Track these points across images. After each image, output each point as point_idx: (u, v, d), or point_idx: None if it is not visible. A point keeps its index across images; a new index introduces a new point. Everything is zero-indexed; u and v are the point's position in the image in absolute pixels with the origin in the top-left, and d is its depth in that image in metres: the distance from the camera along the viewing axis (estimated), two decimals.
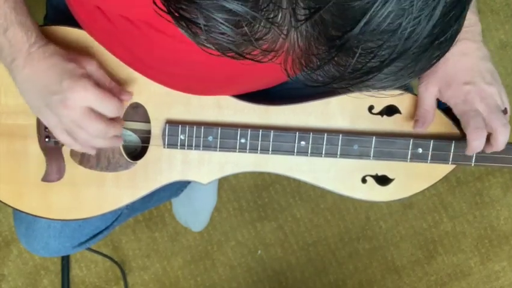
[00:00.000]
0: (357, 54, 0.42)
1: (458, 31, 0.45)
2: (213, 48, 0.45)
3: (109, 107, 0.82)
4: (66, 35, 0.88)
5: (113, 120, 0.84)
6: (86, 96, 0.80)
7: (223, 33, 0.43)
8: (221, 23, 0.42)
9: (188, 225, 1.55)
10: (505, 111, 0.86)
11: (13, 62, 0.81)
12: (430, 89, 0.88)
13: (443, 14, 0.42)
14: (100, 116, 0.82)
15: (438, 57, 0.46)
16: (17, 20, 0.81)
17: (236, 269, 1.63)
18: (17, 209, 0.95)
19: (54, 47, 0.83)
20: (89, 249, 1.25)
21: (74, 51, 0.85)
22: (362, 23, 0.40)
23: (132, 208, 1.07)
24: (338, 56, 0.42)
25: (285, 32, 0.42)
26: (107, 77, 0.85)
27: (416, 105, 0.91)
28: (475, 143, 0.86)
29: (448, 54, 0.87)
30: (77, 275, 1.58)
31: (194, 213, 1.51)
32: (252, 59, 0.45)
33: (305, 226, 1.64)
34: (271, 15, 0.41)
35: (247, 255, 1.63)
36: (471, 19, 0.85)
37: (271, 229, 1.63)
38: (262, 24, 0.42)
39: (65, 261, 1.55)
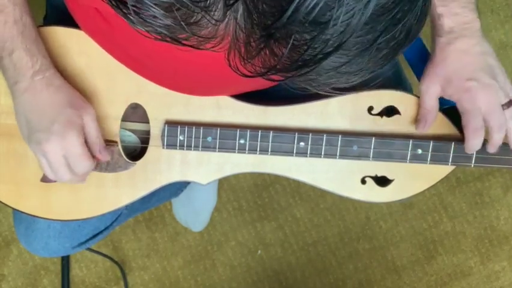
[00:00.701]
0: (290, 45, 0.42)
1: (411, 34, 0.44)
2: (146, 31, 0.44)
3: (80, 167, 0.84)
4: (66, 35, 0.88)
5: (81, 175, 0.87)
6: (67, 148, 0.82)
7: (154, 17, 0.43)
8: (150, 5, 0.42)
9: (188, 225, 1.55)
10: (508, 104, 0.86)
11: (15, 84, 0.82)
12: (431, 88, 0.88)
13: (379, 12, 0.41)
14: (70, 167, 0.84)
15: (391, 57, 0.45)
16: (24, 45, 0.81)
17: (236, 269, 1.63)
18: (16, 209, 0.95)
19: (60, 82, 0.84)
20: (89, 249, 1.25)
21: (77, 93, 0.86)
22: (289, 12, 0.40)
23: (132, 208, 1.07)
24: (271, 45, 0.42)
25: (216, 18, 0.42)
26: (97, 130, 0.86)
27: (416, 106, 0.91)
28: (473, 142, 0.87)
29: (446, 52, 0.87)
30: (77, 275, 1.58)
31: (194, 213, 1.51)
32: (189, 45, 0.45)
33: (305, 226, 1.64)
34: (202, 0, 0.41)
35: (247, 255, 1.63)
36: (468, 16, 0.85)
37: (271, 229, 1.63)
38: (192, 9, 0.42)
39: (65, 261, 1.55)
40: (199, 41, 0.44)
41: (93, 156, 0.86)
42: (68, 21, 0.88)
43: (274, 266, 1.64)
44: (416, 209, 1.66)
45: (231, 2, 0.41)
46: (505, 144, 0.93)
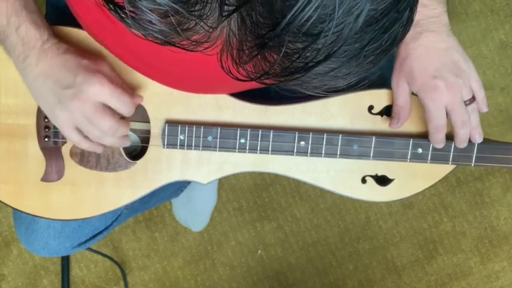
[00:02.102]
0: (282, 53, 0.43)
1: (396, 41, 0.46)
2: (141, 33, 0.45)
3: (123, 105, 0.82)
4: (66, 35, 0.88)
5: (123, 119, 0.85)
6: (101, 91, 0.80)
7: (150, 22, 0.44)
8: (147, 11, 0.43)
9: (188, 225, 1.55)
10: (471, 99, 0.86)
11: (25, 60, 0.81)
12: (400, 85, 0.88)
13: (368, 23, 0.43)
14: (112, 113, 0.82)
15: (377, 62, 0.47)
16: (29, 18, 0.81)
17: (236, 269, 1.63)
18: (16, 209, 0.95)
19: (67, 45, 0.83)
20: (89, 249, 1.25)
21: (87, 51, 0.85)
22: (283, 24, 0.41)
23: (132, 208, 1.07)
24: (264, 52, 0.44)
25: (212, 26, 0.43)
26: (119, 78, 0.85)
27: (417, 106, 0.91)
28: (436, 136, 0.88)
29: (410, 49, 0.87)
30: (77, 275, 1.58)
31: (194, 213, 1.51)
32: (182, 48, 0.46)
33: (305, 226, 1.64)
34: (198, 9, 0.42)
35: (247, 255, 1.63)
36: (436, 9, 0.85)
37: (271, 229, 1.63)
38: (187, 17, 0.43)
39: (65, 261, 1.55)
40: (192, 45, 0.45)
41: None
42: (68, 20, 0.88)
43: (274, 266, 1.64)
44: (416, 209, 1.66)
45: (226, 13, 0.42)
46: (505, 144, 0.93)
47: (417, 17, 0.84)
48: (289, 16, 0.41)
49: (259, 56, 0.44)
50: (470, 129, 0.88)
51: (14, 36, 0.80)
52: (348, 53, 0.44)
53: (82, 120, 0.82)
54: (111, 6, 0.45)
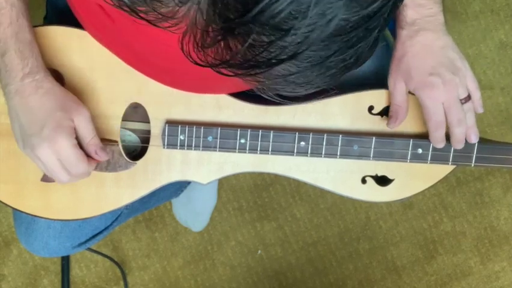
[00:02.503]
0: (247, 43, 0.42)
1: (360, 60, 0.46)
2: None
3: (75, 170, 0.84)
4: (66, 35, 0.88)
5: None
6: (59, 152, 0.81)
7: None
8: None
9: (188, 225, 1.55)
10: (467, 98, 0.86)
11: (6, 87, 0.82)
12: (397, 84, 0.88)
13: (337, 32, 0.42)
14: (66, 169, 0.84)
15: (337, 77, 0.47)
16: (16, 47, 0.80)
17: (236, 269, 1.63)
18: (16, 209, 0.95)
19: (51, 85, 0.82)
20: (89, 249, 1.25)
21: (69, 95, 0.84)
22: (254, 12, 0.40)
23: (132, 208, 1.07)
24: (228, 39, 0.43)
25: (183, 1, 0.42)
26: (92, 131, 0.84)
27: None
28: (436, 134, 0.88)
29: (407, 47, 0.87)
30: (77, 275, 1.58)
31: (194, 213, 1.51)
32: (146, 20, 0.45)
33: (305, 226, 1.64)
34: None
35: (247, 255, 1.63)
36: (432, 9, 0.85)
37: (271, 229, 1.63)
38: None
39: (65, 261, 1.55)
40: (157, 18, 0.44)
41: (90, 158, 0.85)
42: (69, 20, 0.88)
43: (274, 266, 1.64)
44: (416, 209, 1.66)
45: None
46: (505, 144, 0.93)
47: (414, 16, 0.85)
48: (262, 4, 0.40)
49: (222, 42, 0.43)
50: (466, 129, 0.87)
51: (0, 61, 0.81)
52: (313, 60, 0.44)
53: (40, 164, 0.84)
54: None
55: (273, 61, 0.43)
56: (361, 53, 0.45)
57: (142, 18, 0.45)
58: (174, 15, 0.44)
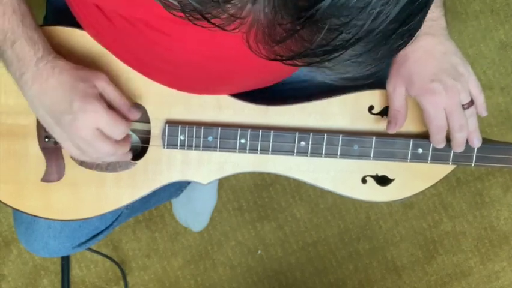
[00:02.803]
0: (324, 30, 0.41)
1: (421, 22, 0.45)
2: (176, 4, 0.43)
3: (117, 131, 0.82)
4: (66, 35, 0.88)
5: (121, 140, 0.85)
6: (96, 119, 0.80)
7: None
8: None
9: (188, 225, 1.55)
10: (469, 103, 0.86)
11: (22, 77, 0.81)
12: (397, 89, 0.87)
13: (410, 2, 0.41)
14: (109, 137, 0.82)
15: (399, 48, 0.46)
16: (24, 34, 0.80)
17: (236, 269, 1.63)
18: (17, 209, 0.95)
19: (64, 62, 0.82)
20: (89, 249, 1.25)
21: (83, 65, 0.84)
22: None
23: (132, 208, 1.07)
24: (304, 29, 0.41)
25: None
26: (117, 92, 0.84)
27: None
28: (437, 137, 0.87)
29: (408, 52, 0.86)
30: (77, 275, 1.58)
31: (194, 213, 1.51)
32: (214, 25, 0.43)
33: (305, 226, 1.64)
34: None
35: (247, 255, 1.63)
36: (434, 13, 0.84)
37: (271, 229, 1.63)
38: None
39: (65, 261, 1.54)
40: (226, 20, 0.43)
41: (124, 118, 0.84)
42: (69, 20, 0.88)
43: (274, 266, 1.64)
44: (416, 209, 1.66)
45: None
46: (505, 144, 0.93)
47: None
48: None
49: (297, 34, 0.42)
50: (467, 133, 0.87)
51: (10, 52, 0.80)
52: (384, 33, 0.42)
53: (80, 142, 0.82)
54: None
55: (350, 42, 0.42)
56: (422, 17, 0.44)
57: (211, 23, 0.43)
58: (242, 14, 0.42)
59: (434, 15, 0.84)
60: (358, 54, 0.44)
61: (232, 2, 0.41)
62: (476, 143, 0.89)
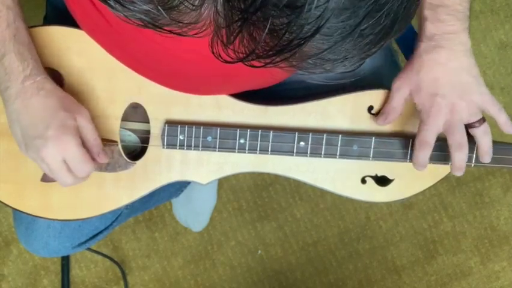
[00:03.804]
0: (267, 29, 0.41)
1: (398, 22, 0.44)
2: (125, 16, 0.44)
3: (82, 170, 0.83)
4: (66, 35, 0.88)
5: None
6: (65, 152, 0.81)
7: (132, 2, 0.43)
8: None
9: (188, 225, 1.55)
10: (480, 121, 0.85)
11: (6, 90, 0.81)
12: (402, 89, 0.87)
13: None
14: (71, 170, 0.83)
15: (378, 44, 0.45)
16: (15, 49, 0.80)
17: (236, 269, 1.63)
18: (16, 209, 0.95)
19: (52, 87, 0.82)
20: (89, 249, 1.25)
21: (69, 96, 0.84)
22: None
23: (132, 208, 1.07)
24: (249, 29, 0.42)
25: (195, 3, 0.42)
26: (94, 132, 0.85)
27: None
28: (417, 153, 0.86)
29: (425, 61, 0.85)
30: (77, 275, 1.58)
31: (194, 213, 1.51)
32: (170, 32, 0.44)
33: (305, 226, 1.64)
34: None
35: (247, 255, 1.63)
36: (454, 25, 0.83)
37: (271, 229, 1.63)
38: None
39: (65, 261, 1.55)
40: (181, 27, 0.44)
41: (92, 159, 0.85)
42: (68, 20, 0.88)
43: (274, 266, 1.64)
44: (416, 209, 1.66)
45: None
46: (505, 144, 0.93)
47: (433, 30, 0.83)
48: None
49: (245, 34, 0.43)
50: (466, 155, 0.86)
51: None
52: (342, 31, 0.42)
53: (44, 166, 0.83)
54: None
55: (297, 41, 0.42)
56: (396, 12, 0.43)
57: (169, 31, 0.44)
58: (196, 20, 0.43)
59: (454, 28, 0.83)
60: (320, 51, 0.43)
61: (177, 9, 0.42)
62: (487, 159, 0.88)
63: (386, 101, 0.90)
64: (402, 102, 0.88)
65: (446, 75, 0.84)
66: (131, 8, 0.43)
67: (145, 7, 0.43)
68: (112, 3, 0.44)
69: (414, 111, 0.91)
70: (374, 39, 0.44)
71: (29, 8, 0.85)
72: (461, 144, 0.85)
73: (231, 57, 0.45)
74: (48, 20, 1.01)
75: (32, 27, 0.87)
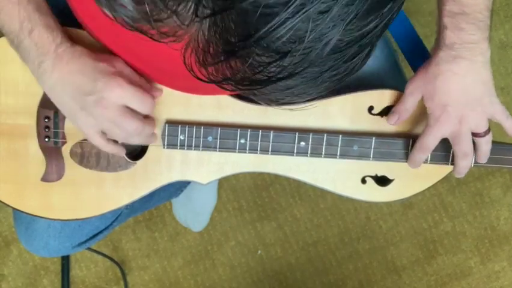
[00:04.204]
0: (248, 64, 0.44)
1: (352, 73, 0.48)
2: (111, 15, 0.45)
3: (144, 105, 0.82)
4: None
5: (147, 117, 0.85)
6: (122, 95, 0.80)
7: (123, 6, 0.44)
8: None
9: (188, 225, 1.55)
10: (486, 132, 0.87)
11: (41, 65, 0.80)
12: (416, 94, 0.87)
13: (332, 51, 0.44)
14: (136, 113, 0.82)
15: (331, 88, 0.49)
16: (42, 21, 0.80)
17: (236, 269, 1.63)
18: (17, 209, 0.95)
19: (81, 48, 0.82)
20: (89, 249, 1.25)
21: (99, 51, 0.84)
22: (255, 37, 0.42)
23: (132, 208, 1.07)
24: (230, 60, 0.45)
25: (185, 23, 0.44)
26: (134, 73, 0.84)
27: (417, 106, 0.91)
28: (416, 155, 0.89)
29: (442, 70, 0.86)
30: (77, 275, 1.58)
31: (194, 213, 1.51)
32: (148, 36, 0.46)
33: (305, 226, 1.64)
34: (174, 3, 0.42)
35: (247, 255, 1.63)
36: (474, 35, 0.81)
37: (271, 229, 1.63)
38: (162, 9, 0.43)
39: (65, 261, 1.55)
40: (160, 35, 0.46)
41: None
42: (68, 20, 0.88)
43: (274, 266, 1.64)
44: (416, 209, 1.66)
45: (201, 15, 0.42)
46: (505, 144, 0.93)
47: (453, 39, 0.82)
48: (262, 31, 0.42)
49: (224, 62, 0.45)
50: (471, 163, 0.89)
51: (28, 41, 0.79)
52: (308, 75, 0.46)
53: (107, 124, 0.82)
54: None
55: (272, 79, 0.45)
56: (354, 66, 0.47)
57: (144, 34, 0.46)
58: (175, 33, 0.45)
59: (474, 38, 0.81)
60: (285, 88, 0.47)
61: (164, 22, 0.44)
62: (483, 160, 0.91)
63: (388, 102, 0.90)
64: (415, 105, 0.89)
65: (462, 87, 0.84)
66: (120, 10, 0.45)
67: (134, 14, 0.44)
68: (102, 2, 0.45)
69: (414, 113, 0.91)
70: (330, 85, 0.48)
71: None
72: (467, 153, 0.87)
73: (204, 76, 0.47)
74: None
75: None
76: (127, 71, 0.83)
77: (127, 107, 0.81)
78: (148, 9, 0.43)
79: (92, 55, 0.82)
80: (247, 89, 0.47)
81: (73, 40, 0.87)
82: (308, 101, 0.48)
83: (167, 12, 0.43)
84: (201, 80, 0.48)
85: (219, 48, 0.44)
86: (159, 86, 0.89)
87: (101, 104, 0.80)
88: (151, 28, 0.45)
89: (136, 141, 0.86)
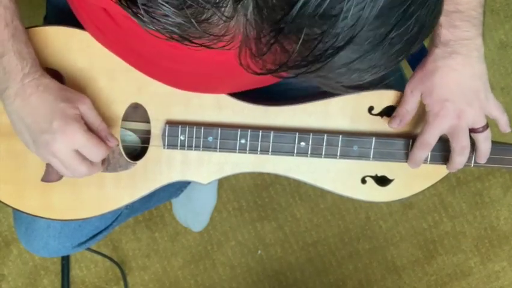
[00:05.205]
0: (301, 40, 0.41)
1: (424, 29, 0.44)
2: (156, 30, 0.44)
3: (95, 154, 0.83)
4: (67, 35, 0.88)
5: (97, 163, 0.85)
6: (74, 141, 0.81)
7: (165, 15, 0.43)
8: (161, 3, 0.42)
9: (188, 225, 1.55)
10: (484, 127, 0.87)
11: (5, 90, 0.81)
12: (415, 93, 0.88)
13: (390, 5, 0.41)
14: (85, 159, 0.83)
15: (404, 52, 0.45)
16: (14, 48, 0.80)
17: (236, 269, 1.63)
18: (17, 209, 0.95)
19: (49, 81, 0.82)
20: (89, 249, 1.25)
21: (67, 88, 0.84)
22: (298, 6, 0.40)
23: (132, 208, 1.07)
24: (281, 40, 0.42)
25: (228, 15, 0.42)
26: (98, 117, 0.85)
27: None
28: (417, 152, 0.89)
29: (439, 66, 0.86)
30: (77, 275, 1.58)
31: (194, 213, 1.51)
32: (200, 45, 0.45)
33: (305, 226, 1.64)
34: None
35: (247, 255, 1.63)
36: (469, 31, 0.83)
37: (271, 229, 1.63)
38: (203, 6, 0.42)
39: (65, 261, 1.55)
40: (211, 40, 0.44)
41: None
42: (69, 20, 0.88)
43: (274, 266, 1.64)
44: (416, 209, 1.66)
45: None
46: (505, 144, 0.93)
47: (448, 36, 0.84)
48: None
49: (277, 46, 0.43)
50: (466, 158, 0.89)
51: None
52: (372, 40, 0.42)
53: (55, 162, 0.83)
54: (123, 2, 0.44)
55: (331, 51, 0.42)
56: (423, 21, 0.43)
57: (196, 44, 0.45)
58: (226, 32, 0.44)
59: (469, 35, 0.83)
60: (350, 61, 0.43)
61: (208, 21, 0.42)
62: (483, 160, 0.91)
63: (389, 102, 0.90)
64: (416, 106, 0.89)
65: (459, 81, 0.85)
66: (163, 21, 0.43)
67: (178, 20, 0.43)
68: (143, 18, 0.43)
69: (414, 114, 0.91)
70: (401, 48, 0.44)
71: (29, 7, 0.85)
72: (464, 148, 0.87)
73: (261, 69, 0.45)
74: (49, 20, 1.01)
75: (32, 27, 0.87)
76: (88, 115, 0.83)
77: (78, 151, 0.82)
78: (188, 12, 0.42)
79: (57, 92, 0.82)
80: (308, 71, 0.44)
81: (72, 40, 0.88)
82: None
83: (209, 8, 0.42)
84: (259, 74, 0.45)
85: (269, 31, 0.42)
86: (116, 135, 0.89)
87: (53, 145, 0.80)
88: (199, 32, 0.43)
89: (82, 177, 0.87)
